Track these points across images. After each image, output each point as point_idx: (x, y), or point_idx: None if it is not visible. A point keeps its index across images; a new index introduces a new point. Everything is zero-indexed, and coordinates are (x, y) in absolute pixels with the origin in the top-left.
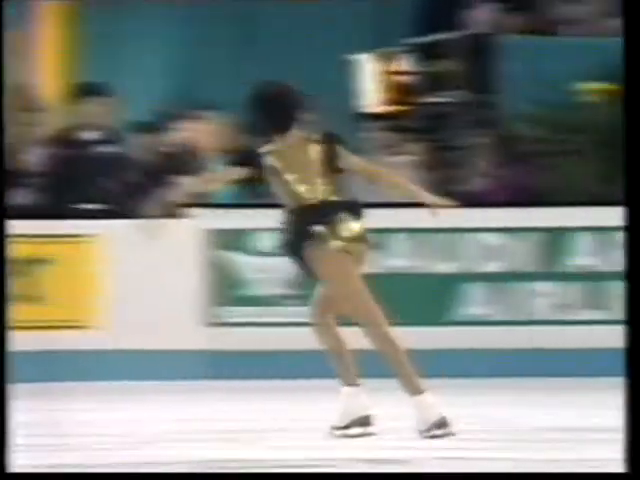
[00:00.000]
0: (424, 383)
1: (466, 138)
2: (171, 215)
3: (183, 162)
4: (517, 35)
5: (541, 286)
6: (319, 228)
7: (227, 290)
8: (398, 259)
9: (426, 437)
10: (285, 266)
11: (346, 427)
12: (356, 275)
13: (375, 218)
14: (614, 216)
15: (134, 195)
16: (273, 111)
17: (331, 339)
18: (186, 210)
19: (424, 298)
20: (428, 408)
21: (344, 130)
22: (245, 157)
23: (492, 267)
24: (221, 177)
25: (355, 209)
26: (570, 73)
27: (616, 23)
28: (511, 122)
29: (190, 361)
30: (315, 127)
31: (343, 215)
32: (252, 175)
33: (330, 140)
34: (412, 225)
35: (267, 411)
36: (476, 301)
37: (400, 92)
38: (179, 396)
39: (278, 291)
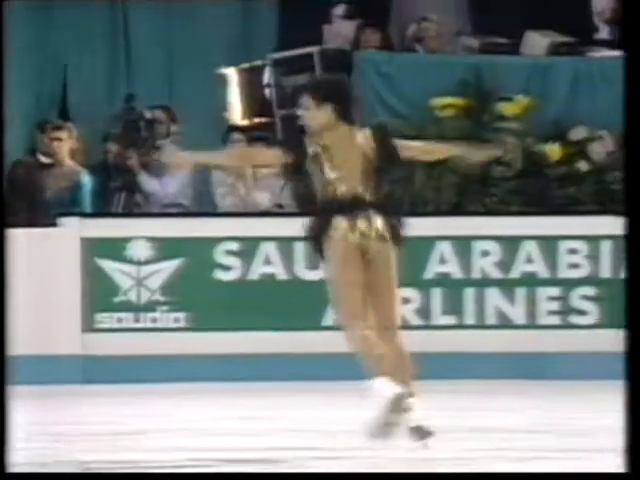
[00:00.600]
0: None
1: None
2: (51, 224)
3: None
4: (375, 50)
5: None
6: (340, 221)
7: (103, 297)
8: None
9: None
10: (158, 274)
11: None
12: (354, 273)
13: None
14: (469, 225)
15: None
16: (340, 101)
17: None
18: (65, 219)
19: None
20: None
21: (211, 140)
22: (291, 143)
23: None
24: (262, 156)
25: (385, 208)
26: (425, 88)
27: (468, 41)
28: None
29: (68, 365)
30: (182, 139)
31: (370, 212)
32: (294, 162)
33: (383, 133)
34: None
35: (142, 414)
36: None
37: (264, 105)
38: (52, 399)
39: (152, 297)
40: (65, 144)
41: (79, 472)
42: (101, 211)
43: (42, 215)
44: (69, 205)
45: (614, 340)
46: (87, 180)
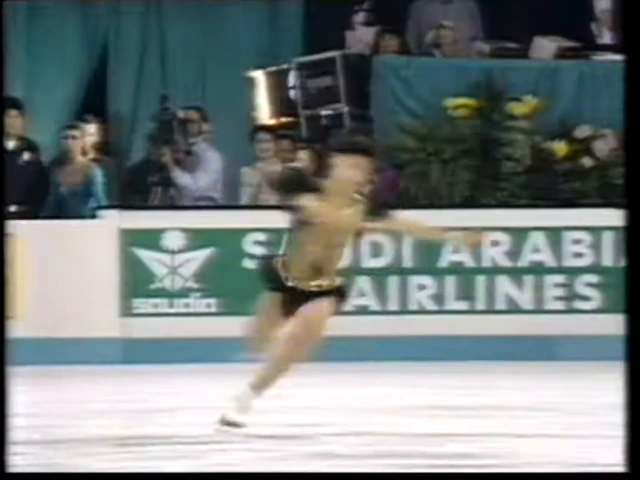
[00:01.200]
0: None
1: None
2: (91, 216)
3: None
4: (393, 55)
5: (419, 279)
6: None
7: (140, 284)
8: None
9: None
10: (191, 262)
11: None
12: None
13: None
14: (481, 217)
15: (47, 198)
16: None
17: None
18: (105, 212)
19: None
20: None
21: (242, 140)
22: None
23: (376, 263)
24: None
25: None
26: (440, 90)
27: (481, 46)
28: (388, 133)
29: (108, 348)
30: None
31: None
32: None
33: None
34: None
35: (178, 392)
36: (361, 293)
37: (289, 106)
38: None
39: (186, 284)
40: (78, 142)
41: (79, 472)
42: (138, 204)
43: (66, 208)
44: (83, 200)
45: (615, 324)
46: (99, 175)
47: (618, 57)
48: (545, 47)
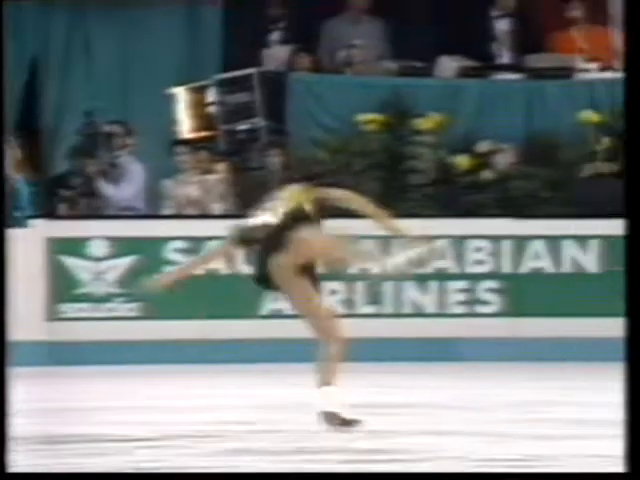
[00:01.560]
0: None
1: (263, 159)
2: (19, 226)
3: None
4: (307, 72)
5: (330, 285)
6: None
7: (66, 289)
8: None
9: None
10: (115, 269)
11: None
12: None
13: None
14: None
15: None
16: None
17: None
18: (32, 221)
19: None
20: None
21: (164, 153)
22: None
23: None
24: None
25: None
26: (352, 106)
27: (388, 65)
28: (302, 146)
29: (35, 350)
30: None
31: None
32: None
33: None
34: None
35: (102, 393)
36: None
37: (208, 120)
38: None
39: (109, 290)
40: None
41: (79, 472)
42: (64, 214)
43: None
44: (10, 210)
45: (513, 327)
46: (24, 187)
47: (516, 76)
48: (448, 66)
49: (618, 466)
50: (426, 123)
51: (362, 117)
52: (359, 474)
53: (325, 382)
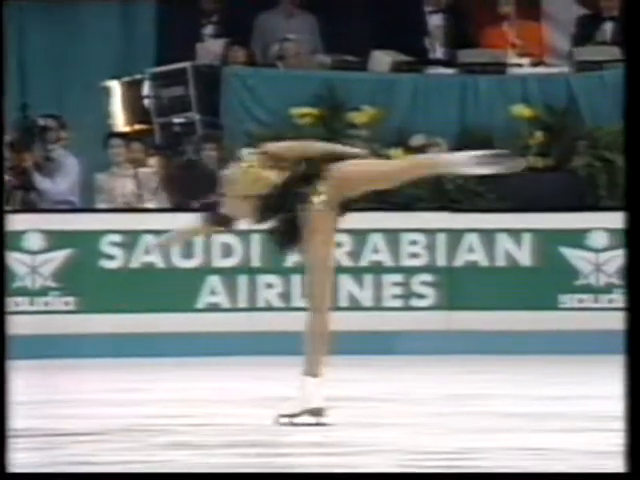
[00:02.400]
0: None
1: (198, 153)
2: None
3: None
4: (241, 66)
5: (267, 278)
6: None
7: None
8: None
9: (292, 420)
10: (50, 262)
11: (295, 415)
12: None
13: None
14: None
15: None
16: None
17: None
18: None
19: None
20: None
21: (99, 146)
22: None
23: (226, 263)
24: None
25: None
26: (286, 99)
27: (322, 59)
28: (237, 140)
29: None
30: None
31: None
32: None
33: None
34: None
35: (36, 386)
36: (212, 291)
37: (143, 114)
38: None
39: (45, 283)
40: None
41: (79, 472)
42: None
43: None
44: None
45: (447, 320)
46: None
47: (449, 71)
48: (382, 61)
49: (551, 460)
50: (360, 117)
51: (296, 111)
52: (359, 474)
53: (310, 372)
